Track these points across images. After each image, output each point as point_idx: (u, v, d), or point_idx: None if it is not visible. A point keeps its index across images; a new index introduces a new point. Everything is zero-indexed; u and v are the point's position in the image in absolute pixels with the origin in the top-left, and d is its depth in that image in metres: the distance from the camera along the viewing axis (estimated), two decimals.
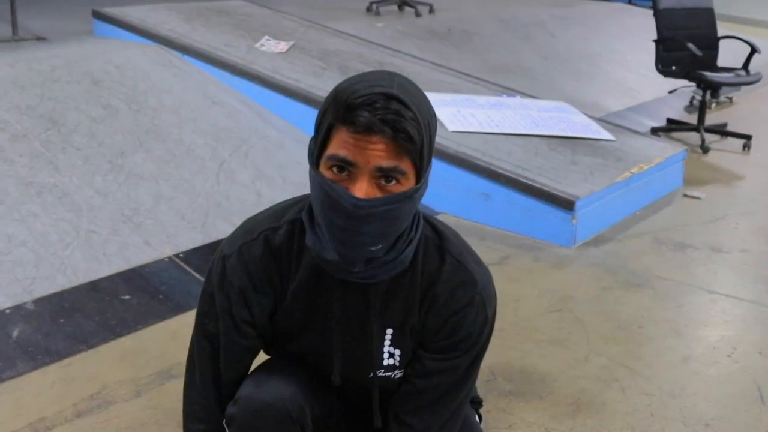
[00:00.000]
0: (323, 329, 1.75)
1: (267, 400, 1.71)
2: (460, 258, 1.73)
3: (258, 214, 1.80)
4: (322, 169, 1.56)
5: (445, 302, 1.72)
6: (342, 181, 1.54)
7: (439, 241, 1.74)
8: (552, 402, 2.85)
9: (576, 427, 2.71)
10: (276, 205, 1.81)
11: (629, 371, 3.07)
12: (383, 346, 1.76)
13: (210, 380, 1.80)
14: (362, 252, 1.58)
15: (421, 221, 1.72)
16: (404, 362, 1.79)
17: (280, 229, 1.71)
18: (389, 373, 1.79)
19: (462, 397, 1.81)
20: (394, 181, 1.55)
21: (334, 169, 1.55)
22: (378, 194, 1.54)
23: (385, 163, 1.52)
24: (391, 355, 1.77)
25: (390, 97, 1.51)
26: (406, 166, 1.54)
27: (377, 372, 1.78)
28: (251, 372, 1.81)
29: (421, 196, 1.62)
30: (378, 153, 1.51)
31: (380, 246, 1.59)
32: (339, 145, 1.53)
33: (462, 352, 1.74)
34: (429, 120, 1.58)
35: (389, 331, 1.75)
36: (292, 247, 1.71)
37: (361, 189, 1.53)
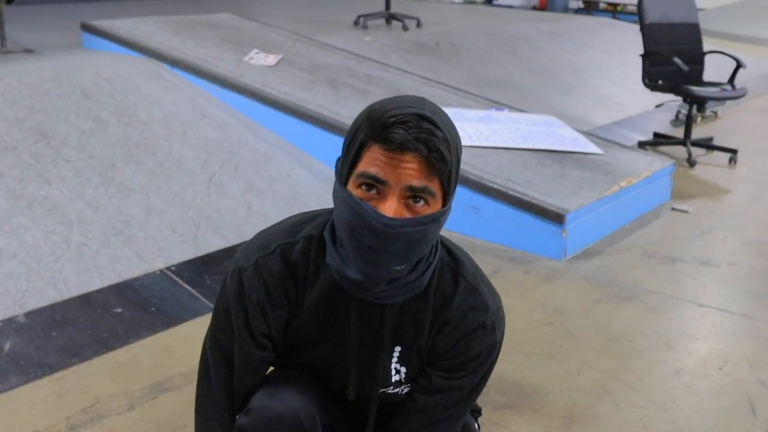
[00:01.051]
0: (337, 345, 1.76)
1: (279, 411, 1.72)
2: (474, 282, 1.76)
3: (271, 228, 1.80)
4: (351, 187, 1.58)
5: (456, 325, 1.74)
6: (371, 199, 1.56)
7: (455, 265, 1.76)
8: (545, 415, 2.86)
9: None
10: (289, 218, 1.81)
11: (621, 384, 3.09)
12: (391, 363, 1.78)
13: (225, 397, 1.79)
14: (387, 272, 1.59)
15: (439, 245, 1.74)
16: (409, 378, 1.80)
17: (297, 244, 1.72)
18: (396, 390, 1.81)
19: (462, 416, 1.84)
20: (422, 202, 1.56)
21: (363, 187, 1.56)
22: (406, 214, 1.56)
23: (417, 182, 1.54)
24: (398, 372, 1.79)
25: (423, 118, 1.54)
26: (435, 187, 1.56)
27: (386, 389, 1.80)
28: (262, 382, 1.81)
29: (446, 219, 1.64)
30: (410, 172, 1.53)
31: (404, 266, 1.60)
32: (371, 163, 1.54)
33: (468, 372, 1.77)
34: (458, 144, 1.61)
35: (397, 348, 1.77)
36: (309, 263, 1.72)
37: (391, 208, 1.54)
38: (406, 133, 1.51)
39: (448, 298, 1.74)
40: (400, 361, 1.77)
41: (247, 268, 1.71)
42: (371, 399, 1.81)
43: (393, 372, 1.78)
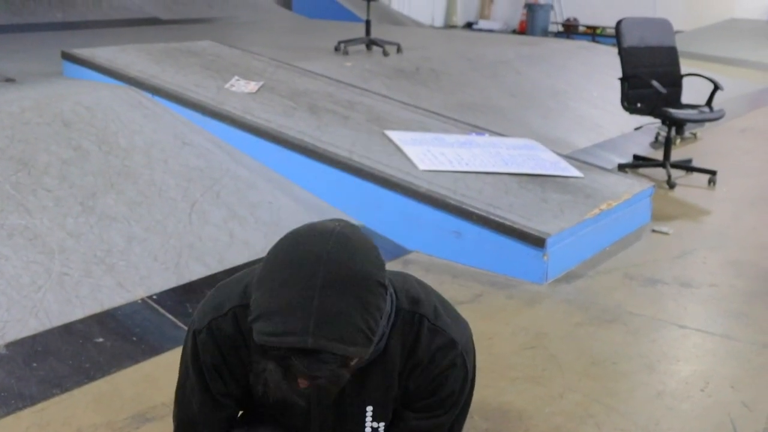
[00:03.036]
0: (300, 407, 1.73)
1: None
2: (436, 322, 1.71)
3: (229, 284, 1.75)
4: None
5: (426, 367, 1.70)
6: None
7: (415, 308, 1.70)
8: None
9: None
10: (245, 274, 1.76)
11: (604, 407, 3.09)
12: (365, 422, 1.74)
13: None
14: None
15: (394, 305, 1.67)
16: (386, 427, 1.78)
17: (249, 308, 1.66)
18: None
19: None
20: None
21: None
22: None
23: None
24: (375, 430, 1.76)
25: (304, 353, 1.43)
26: (345, 372, 1.51)
27: None
28: (236, 424, 1.80)
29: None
30: (305, 384, 1.49)
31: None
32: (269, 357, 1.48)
33: (446, 409, 1.74)
34: (368, 310, 1.47)
35: (369, 408, 1.74)
36: None
37: (303, 383, 1.50)
38: (284, 381, 1.46)
39: (413, 343, 1.69)
40: (375, 418, 1.75)
41: (201, 330, 1.69)
42: None
43: (369, 430, 1.75)
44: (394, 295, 1.69)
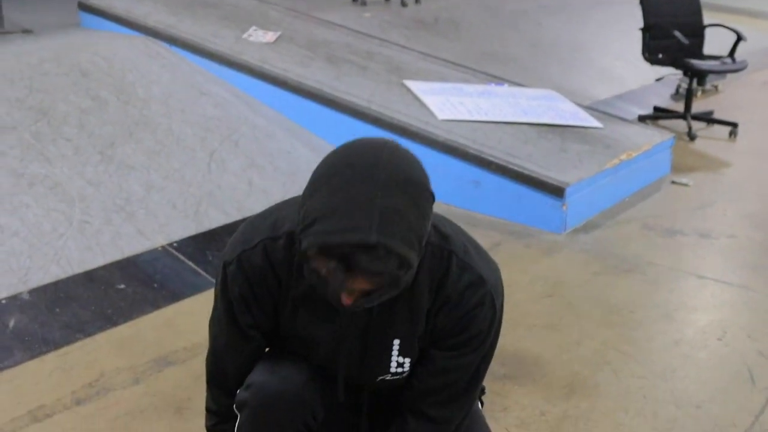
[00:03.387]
0: (328, 343, 1.74)
1: (280, 388, 1.71)
2: (465, 258, 1.69)
3: (258, 219, 1.76)
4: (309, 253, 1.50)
5: (455, 304, 1.69)
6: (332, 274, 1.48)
7: (444, 242, 1.69)
8: (545, 385, 2.88)
9: (570, 409, 2.74)
10: (275, 209, 1.77)
11: (621, 355, 3.11)
12: (391, 356, 1.75)
13: (222, 377, 1.83)
14: (369, 304, 1.56)
15: None
16: (413, 365, 1.78)
17: (279, 240, 1.68)
18: (397, 377, 1.79)
19: (476, 390, 1.83)
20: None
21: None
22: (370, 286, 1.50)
23: (372, 288, 1.50)
24: (400, 364, 1.76)
25: (368, 248, 1.42)
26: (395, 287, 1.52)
27: (384, 376, 1.79)
28: (262, 358, 1.81)
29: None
30: (362, 287, 1.49)
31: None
32: (322, 265, 1.48)
33: (473, 348, 1.73)
34: (423, 224, 1.49)
35: (396, 341, 1.74)
36: (292, 259, 1.68)
37: (351, 297, 1.51)
38: (345, 274, 1.44)
39: (442, 279, 1.68)
40: (401, 353, 1.75)
41: (231, 262, 1.70)
42: (368, 388, 1.82)
43: (394, 364, 1.76)
44: None
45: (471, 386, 1.81)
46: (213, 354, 1.83)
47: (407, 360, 1.76)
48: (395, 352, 1.75)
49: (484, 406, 2.09)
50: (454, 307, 1.69)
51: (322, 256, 1.45)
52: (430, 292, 1.69)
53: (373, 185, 1.43)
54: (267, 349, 1.85)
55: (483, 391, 2.08)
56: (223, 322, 1.75)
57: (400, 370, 1.77)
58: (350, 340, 1.72)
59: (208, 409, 1.90)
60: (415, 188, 1.47)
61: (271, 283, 1.70)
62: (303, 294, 1.70)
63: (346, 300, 1.50)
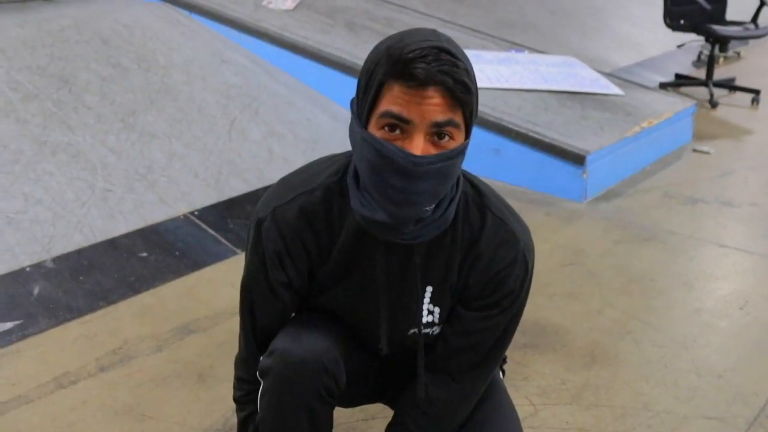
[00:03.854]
0: (364, 288, 1.75)
1: (302, 354, 1.72)
2: (500, 215, 1.72)
3: (292, 175, 1.77)
4: (372, 128, 1.54)
5: (488, 261, 1.70)
6: (395, 140, 1.52)
7: (479, 198, 1.72)
8: (566, 354, 2.89)
9: (591, 378, 2.75)
10: (307, 166, 1.79)
11: (642, 324, 3.11)
12: (423, 303, 1.75)
13: (252, 341, 1.83)
14: (416, 211, 1.57)
15: (461, 179, 1.70)
16: (443, 319, 1.79)
17: (316, 192, 1.69)
18: (428, 330, 1.79)
19: (501, 353, 1.83)
20: (447, 137, 1.53)
21: (386, 128, 1.52)
22: (432, 151, 1.53)
23: (441, 117, 1.51)
24: (431, 313, 1.77)
25: (443, 50, 1.51)
26: (459, 119, 1.53)
27: (416, 330, 1.79)
28: (286, 324, 1.82)
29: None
30: (434, 108, 1.50)
31: (433, 205, 1.58)
32: (393, 101, 1.51)
33: (503, 309, 1.74)
34: (474, 74, 1.58)
35: (429, 288, 1.74)
36: (331, 210, 1.69)
37: (418, 146, 1.51)
38: (428, 67, 1.48)
39: (476, 232, 1.70)
40: (433, 301, 1.75)
41: (265, 218, 1.70)
42: (399, 341, 1.81)
43: (426, 312, 1.76)
44: (461, 177, 1.71)
45: (497, 348, 1.81)
46: (243, 313, 1.83)
47: (437, 309, 1.77)
48: (427, 299, 1.75)
49: (506, 375, 2.10)
50: (487, 264, 1.71)
51: (397, 83, 1.51)
52: (465, 242, 1.71)
53: (433, 32, 1.58)
54: (292, 316, 1.86)
55: (504, 360, 2.08)
56: (256, 279, 1.75)
57: (430, 319, 1.78)
58: (389, 284, 1.73)
59: (239, 378, 1.91)
60: (465, 55, 1.59)
61: (307, 238, 1.71)
62: (347, 245, 1.70)
63: (415, 149, 1.51)
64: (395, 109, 1.51)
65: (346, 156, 1.72)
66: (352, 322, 1.82)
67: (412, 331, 1.79)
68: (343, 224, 1.70)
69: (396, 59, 1.50)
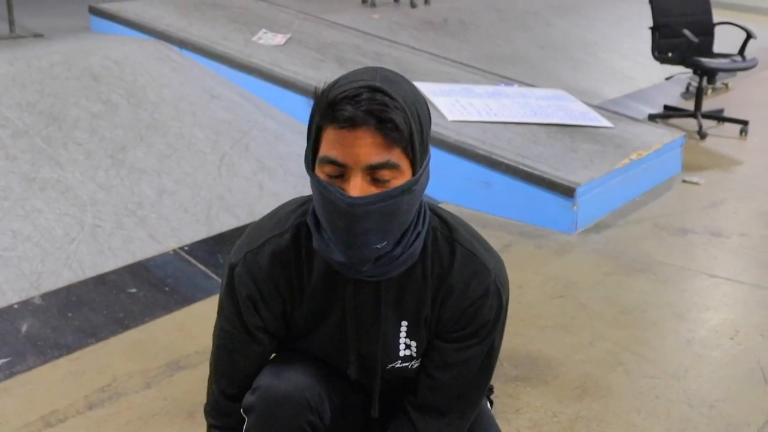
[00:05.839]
0: (339, 326, 1.75)
1: (286, 390, 1.72)
2: (470, 248, 1.72)
3: (263, 220, 1.78)
4: (318, 172, 1.55)
5: (460, 294, 1.71)
6: (337, 182, 1.53)
7: (448, 232, 1.73)
8: (558, 386, 2.88)
9: (582, 410, 2.74)
10: (279, 208, 1.79)
11: (633, 355, 3.10)
12: (399, 338, 1.76)
13: (227, 382, 1.82)
14: (368, 251, 1.57)
15: (428, 213, 1.71)
16: (420, 352, 1.79)
17: (285, 234, 1.70)
18: (406, 364, 1.80)
19: (484, 385, 1.83)
20: (387, 177, 1.53)
21: (328, 170, 1.53)
22: (374, 190, 1.53)
23: (375, 159, 1.51)
24: (408, 347, 1.77)
25: (372, 89, 1.50)
26: (398, 158, 1.53)
27: (394, 364, 1.79)
28: (269, 362, 1.82)
29: (422, 188, 1.61)
30: (367, 150, 1.50)
31: (385, 243, 1.58)
32: (328, 146, 1.52)
33: (481, 339, 1.74)
34: (417, 108, 1.56)
35: (404, 323, 1.75)
36: (300, 251, 1.70)
37: (355, 187, 1.51)
38: (354, 109, 1.48)
39: (446, 266, 1.70)
40: (409, 335, 1.76)
41: (237, 263, 1.71)
42: (375, 375, 1.81)
43: (402, 347, 1.77)
44: (427, 212, 1.72)
45: (478, 381, 1.81)
46: (218, 360, 1.83)
47: (414, 343, 1.77)
48: (403, 334, 1.76)
49: (494, 406, 2.09)
50: (459, 298, 1.71)
51: (330, 126, 1.52)
52: (435, 277, 1.71)
53: (373, 69, 1.59)
54: (273, 355, 1.85)
55: (491, 390, 2.08)
56: (231, 325, 1.75)
57: (408, 353, 1.78)
58: (360, 320, 1.73)
59: (214, 426, 1.88)
60: (408, 81, 1.62)
61: (279, 281, 1.71)
62: (319, 284, 1.71)
63: (353, 190, 1.51)
64: (331, 153, 1.52)
65: (312, 197, 1.72)
66: (335, 364, 1.82)
67: (390, 365, 1.79)
68: (313, 265, 1.71)
69: (327, 102, 1.52)
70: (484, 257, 1.73)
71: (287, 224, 1.71)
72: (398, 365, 1.80)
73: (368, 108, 1.48)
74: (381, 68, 1.59)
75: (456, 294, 1.71)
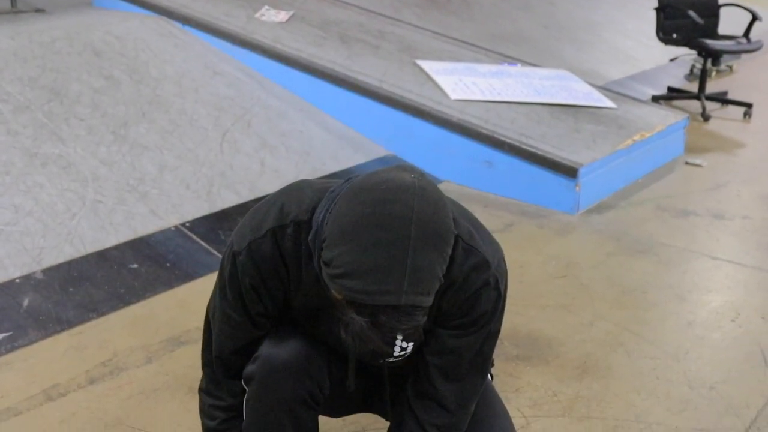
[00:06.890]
0: (334, 323, 1.73)
1: (285, 358, 1.73)
2: (470, 242, 1.70)
3: (263, 205, 1.76)
4: (330, 284, 1.50)
5: (460, 286, 1.69)
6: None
7: None
8: (558, 366, 2.88)
9: (582, 390, 2.74)
10: (282, 191, 1.77)
11: (634, 336, 3.10)
12: (395, 342, 1.76)
13: (224, 360, 1.84)
14: None
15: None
16: (416, 348, 1.79)
17: (288, 228, 1.68)
18: (399, 358, 1.81)
19: (484, 370, 1.83)
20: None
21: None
22: None
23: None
24: (403, 349, 1.78)
25: (399, 310, 1.45)
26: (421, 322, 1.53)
27: (387, 359, 1.81)
28: (271, 331, 1.82)
29: None
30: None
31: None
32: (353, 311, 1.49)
33: (478, 328, 1.74)
34: (444, 266, 1.52)
35: None
36: (300, 247, 1.69)
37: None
38: (390, 320, 1.45)
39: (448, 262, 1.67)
40: (405, 338, 1.76)
41: (240, 252, 1.70)
42: (375, 368, 1.83)
43: (398, 349, 1.77)
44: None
45: (476, 366, 1.81)
46: (217, 340, 1.83)
47: (410, 345, 1.78)
48: (399, 338, 1.75)
49: (494, 379, 2.09)
50: (458, 290, 1.70)
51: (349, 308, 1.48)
52: None
53: (405, 246, 1.44)
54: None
55: (492, 364, 2.08)
56: (233, 310, 1.75)
57: (403, 353, 1.79)
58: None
59: (212, 405, 1.89)
60: (442, 238, 1.49)
61: (281, 271, 1.71)
62: (313, 280, 1.69)
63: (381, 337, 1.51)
64: (347, 310, 1.49)
65: (319, 191, 1.70)
66: (332, 344, 1.82)
67: (382, 360, 1.82)
68: (311, 261, 1.67)
69: (349, 301, 1.46)
70: (484, 250, 1.72)
71: (290, 216, 1.69)
72: (390, 360, 1.81)
73: (392, 327, 1.46)
74: (412, 251, 1.44)
75: (455, 287, 1.69)
